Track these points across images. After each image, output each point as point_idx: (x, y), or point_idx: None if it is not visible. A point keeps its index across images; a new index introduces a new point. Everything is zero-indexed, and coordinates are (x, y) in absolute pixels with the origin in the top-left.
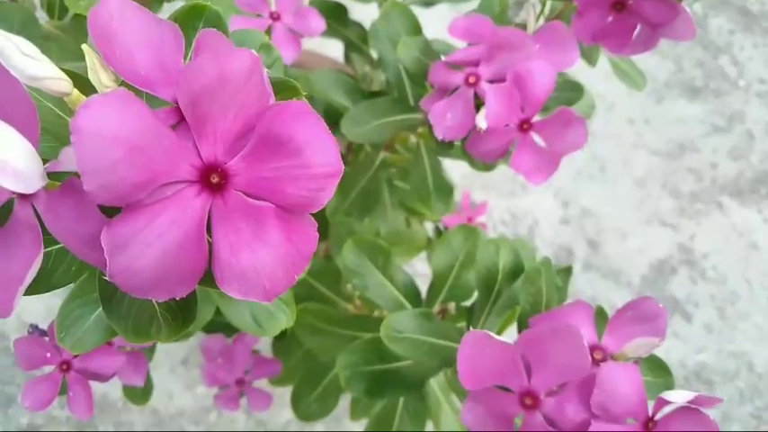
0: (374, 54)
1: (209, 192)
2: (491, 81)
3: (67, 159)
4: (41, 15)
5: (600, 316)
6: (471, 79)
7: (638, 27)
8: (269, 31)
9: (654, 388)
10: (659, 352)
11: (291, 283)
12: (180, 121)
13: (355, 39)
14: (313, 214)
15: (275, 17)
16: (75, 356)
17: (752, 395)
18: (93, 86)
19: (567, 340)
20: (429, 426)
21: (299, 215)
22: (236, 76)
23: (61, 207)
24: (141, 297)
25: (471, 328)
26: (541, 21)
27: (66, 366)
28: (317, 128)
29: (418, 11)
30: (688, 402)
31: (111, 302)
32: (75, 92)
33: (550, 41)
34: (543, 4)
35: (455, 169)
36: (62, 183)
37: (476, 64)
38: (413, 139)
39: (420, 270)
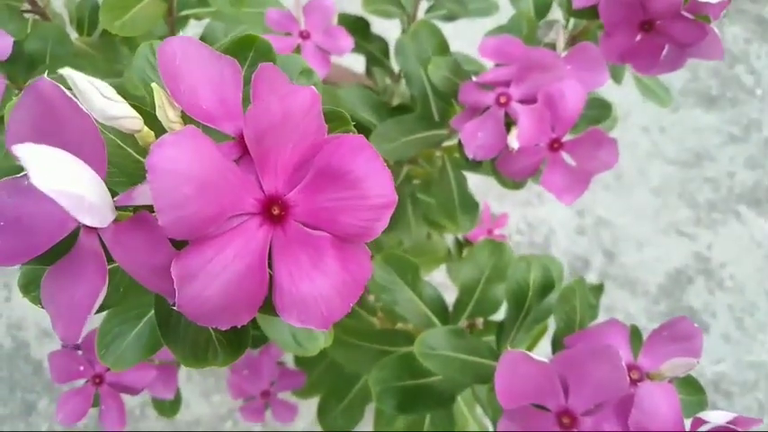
0: (395, 68)
1: (271, 223)
2: (521, 101)
3: (140, 195)
4: (70, 32)
5: (634, 335)
6: (502, 99)
7: (666, 47)
8: (298, 50)
9: (687, 406)
10: None
11: (347, 311)
12: (241, 155)
13: (377, 53)
14: None
15: (305, 36)
16: (108, 370)
17: None
18: (152, 115)
19: (606, 360)
20: None
21: (354, 244)
22: (297, 112)
23: (130, 239)
24: (206, 325)
25: (501, 344)
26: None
27: (98, 380)
28: (374, 161)
29: (440, 26)
30: (727, 423)
31: (168, 328)
32: (145, 128)
33: (580, 62)
34: (567, 22)
35: (469, 179)
36: (133, 216)
37: (506, 84)
38: (437, 153)
39: (436, 279)
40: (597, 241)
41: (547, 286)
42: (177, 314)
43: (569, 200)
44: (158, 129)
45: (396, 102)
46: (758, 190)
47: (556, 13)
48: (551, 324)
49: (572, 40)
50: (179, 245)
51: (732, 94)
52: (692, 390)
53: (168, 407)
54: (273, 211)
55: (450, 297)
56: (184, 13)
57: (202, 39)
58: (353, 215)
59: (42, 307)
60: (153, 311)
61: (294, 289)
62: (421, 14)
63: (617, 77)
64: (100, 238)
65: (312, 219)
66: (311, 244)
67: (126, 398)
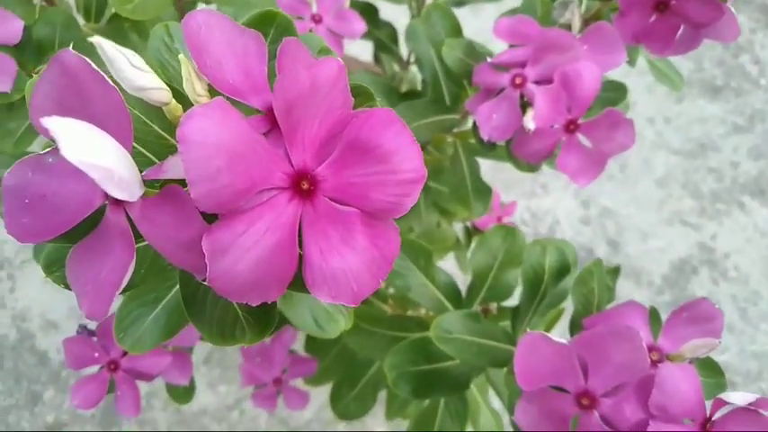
0: (404, 54)
1: (300, 198)
2: (537, 82)
3: (171, 168)
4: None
5: (653, 317)
6: (518, 80)
7: (681, 27)
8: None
9: (706, 388)
10: None
11: (377, 287)
12: (269, 129)
13: (386, 39)
14: None
15: (317, 20)
16: (123, 356)
17: None
18: (177, 91)
19: (626, 341)
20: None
21: (383, 220)
22: (325, 83)
23: (159, 214)
24: (237, 300)
25: (517, 329)
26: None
27: (113, 366)
28: (403, 135)
29: None
30: (749, 404)
31: (194, 306)
32: (173, 102)
33: (597, 42)
34: (581, 2)
35: None
36: (162, 190)
37: (522, 65)
38: (449, 139)
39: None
40: (602, 231)
41: (562, 270)
42: (203, 292)
43: (584, 182)
44: (185, 104)
45: (404, 89)
46: (762, 180)
47: None
48: (567, 309)
49: (585, 23)
50: (209, 220)
51: (736, 84)
52: (711, 372)
53: (182, 393)
54: (303, 185)
55: (460, 286)
56: None
57: None
58: (382, 190)
59: (65, 287)
60: (171, 295)
61: (324, 264)
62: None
63: (631, 60)
64: (127, 215)
65: (341, 194)
66: (340, 220)
67: None
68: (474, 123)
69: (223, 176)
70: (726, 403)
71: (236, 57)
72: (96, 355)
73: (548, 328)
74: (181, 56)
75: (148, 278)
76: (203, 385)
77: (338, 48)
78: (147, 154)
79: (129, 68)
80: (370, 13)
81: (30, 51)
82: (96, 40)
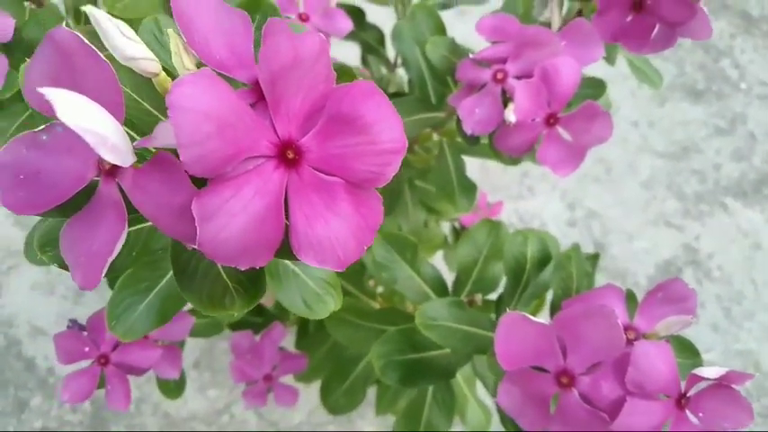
0: (391, 57)
1: (286, 167)
2: (518, 77)
3: (161, 134)
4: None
5: (630, 299)
6: (499, 76)
7: (657, 26)
8: None
9: (684, 369)
10: None
11: (362, 253)
12: (256, 101)
13: (373, 42)
14: None
15: (304, 18)
16: (114, 350)
17: (759, 394)
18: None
19: (601, 320)
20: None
21: (366, 190)
22: (308, 56)
23: (150, 182)
24: (226, 264)
25: (500, 317)
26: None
27: (104, 360)
28: (383, 106)
29: None
30: (719, 377)
31: (185, 279)
32: (163, 74)
33: (575, 38)
34: (561, 3)
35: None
36: (153, 158)
37: (503, 61)
38: (435, 138)
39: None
40: (588, 233)
41: (544, 260)
42: (194, 265)
43: (564, 173)
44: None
45: (391, 91)
46: (744, 182)
47: None
48: (550, 300)
49: (566, 23)
50: (198, 186)
51: (717, 88)
52: (688, 353)
53: (173, 388)
54: (288, 154)
55: (448, 283)
56: None
57: None
58: (364, 160)
59: (59, 265)
60: (162, 284)
61: (310, 230)
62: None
63: (610, 59)
64: (119, 187)
65: (325, 164)
66: (325, 188)
67: None
68: (458, 119)
69: (212, 141)
70: (700, 379)
71: (224, 33)
72: (87, 349)
73: (533, 315)
74: (170, 30)
75: (140, 265)
76: (193, 390)
77: None
78: (136, 137)
79: (120, 38)
80: (357, 16)
81: (20, 51)
82: (89, 9)
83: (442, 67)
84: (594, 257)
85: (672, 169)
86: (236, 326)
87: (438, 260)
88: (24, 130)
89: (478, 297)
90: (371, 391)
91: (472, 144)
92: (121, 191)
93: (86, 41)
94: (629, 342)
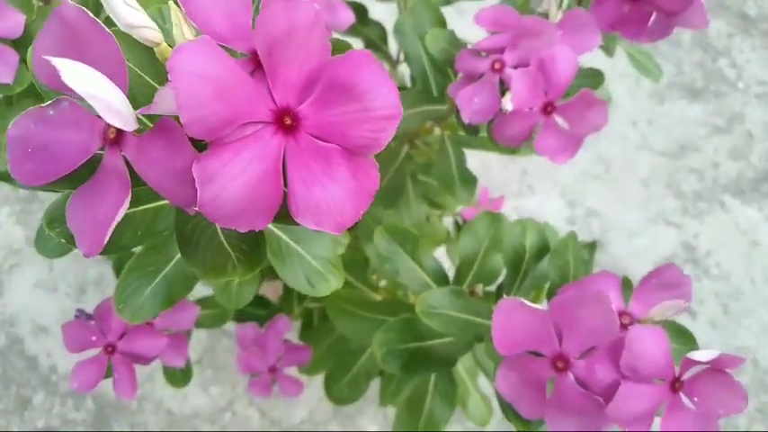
0: (393, 52)
1: (284, 133)
2: (515, 67)
3: (161, 101)
4: None
5: (625, 285)
6: (497, 65)
7: (654, 16)
8: None
9: (679, 354)
10: None
11: (358, 217)
12: (254, 70)
13: (375, 38)
14: None
15: None
16: (120, 339)
17: (757, 390)
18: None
19: (596, 305)
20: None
21: (362, 156)
22: (302, 24)
23: (153, 148)
24: (226, 225)
25: None
26: (560, 15)
27: (111, 349)
28: (378, 74)
29: None
30: (712, 360)
31: (189, 248)
32: (164, 44)
33: (572, 27)
34: None
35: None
36: (155, 124)
37: (501, 51)
38: (437, 132)
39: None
40: (587, 231)
41: (543, 249)
42: (198, 235)
43: (561, 160)
44: None
45: None
46: (741, 180)
47: None
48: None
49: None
50: (200, 151)
51: (715, 87)
52: (683, 339)
53: (180, 376)
54: (286, 121)
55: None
56: None
57: None
58: (359, 127)
59: (66, 240)
60: (168, 268)
61: (308, 194)
62: None
63: (609, 50)
64: (123, 158)
65: (322, 131)
66: (322, 154)
67: None
68: (457, 108)
69: (211, 104)
70: (694, 363)
71: (223, 5)
72: (94, 338)
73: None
74: (171, 2)
75: (146, 249)
76: (195, 387)
77: None
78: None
79: (123, 6)
80: (359, 13)
81: (28, 47)
82: None
83: (442, 59)
84: (592, 246)
85: (671, 167)
86: (240, 318)
87: (441, 256)
88: None
89: (479, 288)
90: (374, 390)
91: (471, 134)
92: (125, 162)
93: (91, 15)
94: (624, 327)
